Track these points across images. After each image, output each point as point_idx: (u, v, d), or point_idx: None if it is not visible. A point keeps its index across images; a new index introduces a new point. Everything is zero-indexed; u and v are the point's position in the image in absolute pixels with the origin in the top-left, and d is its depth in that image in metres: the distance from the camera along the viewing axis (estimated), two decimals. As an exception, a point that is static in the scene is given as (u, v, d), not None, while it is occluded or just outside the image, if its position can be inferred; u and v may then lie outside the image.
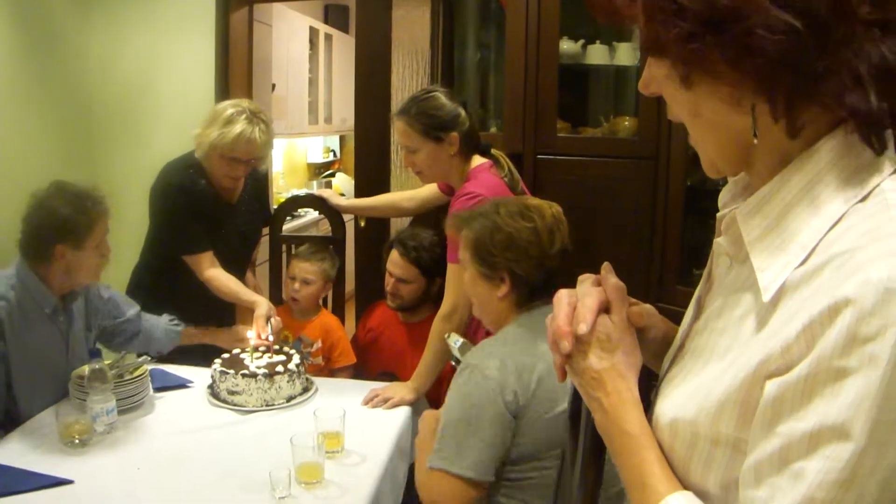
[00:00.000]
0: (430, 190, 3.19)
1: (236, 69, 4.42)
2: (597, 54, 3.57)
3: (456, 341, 2.24)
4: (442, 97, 2.70)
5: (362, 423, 2.41)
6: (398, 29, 3.87)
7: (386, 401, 2.60)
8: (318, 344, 3.06)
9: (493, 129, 3.75)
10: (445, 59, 3.90)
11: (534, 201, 2.08)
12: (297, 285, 3.08)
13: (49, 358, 2.47)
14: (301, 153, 7.86)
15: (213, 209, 2.98)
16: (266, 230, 3.41)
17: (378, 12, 3.84)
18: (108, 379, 2.31)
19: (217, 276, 2.93)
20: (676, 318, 1.16)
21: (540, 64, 3.38)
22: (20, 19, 3.83)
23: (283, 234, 3.48)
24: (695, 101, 0.89)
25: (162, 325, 2.86)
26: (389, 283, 3.03)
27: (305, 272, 3.08)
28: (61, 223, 2.37)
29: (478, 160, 2.76)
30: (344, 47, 7.67)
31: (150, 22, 4.33)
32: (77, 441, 2.21)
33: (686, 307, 1.10)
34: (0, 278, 2.40)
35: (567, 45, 3.50)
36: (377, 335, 3.19)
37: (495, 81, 3.91)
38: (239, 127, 2.79)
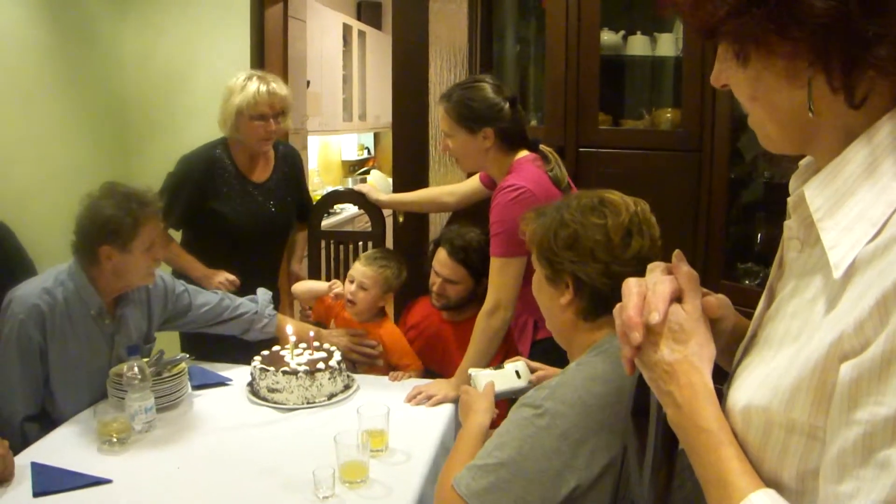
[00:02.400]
0: (471, 184, 3.13)
1: (271, 65, 4.38)
2: (637, 45, 3.52)
3: (479, 376, 2.07)
4: (487, 89, 2.62)
5: (405, 420, 2.34)
6: (435, 22, 3.82)
7: (429, 398, 2.54)
8: (380, 347, 2.93)
9: (533, 122, 3.68)
10: (484, 52, 3.83)
11: (613, 196, 1.70)
12: (353, 287, 2.94)
13: (90, 359, 2.43)
14: (335, 150, 7.83)
15: (233, 186, 3.08)
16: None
17: (415, 8, 3.77)
18: (147, 377, 2.26)
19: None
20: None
21: (581, 56, 3.33)
22: (54, 16, 3.82)
23: (322, 229, 3.41)
24: (753, 81, 0.87)
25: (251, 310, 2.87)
26: (436, 283, 2.94)
27: (363, 276, 2.92)
28: (105, 224, 2.33)
29: (522, 153, 2.67)
30: (377, 44, 7.65)
31: (185, 18, 4.30)
32: (115, 440, 2.16)
33: (732, 302, 1.07)
34: (51, 273, 2.40)
35: (607, 37, 3.45)
36: (420, 332, 3.11)
37: (535, 74, 3.85)
38: (254, 84, 2.97)
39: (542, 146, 2.73)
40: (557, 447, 1.50)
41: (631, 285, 1.00)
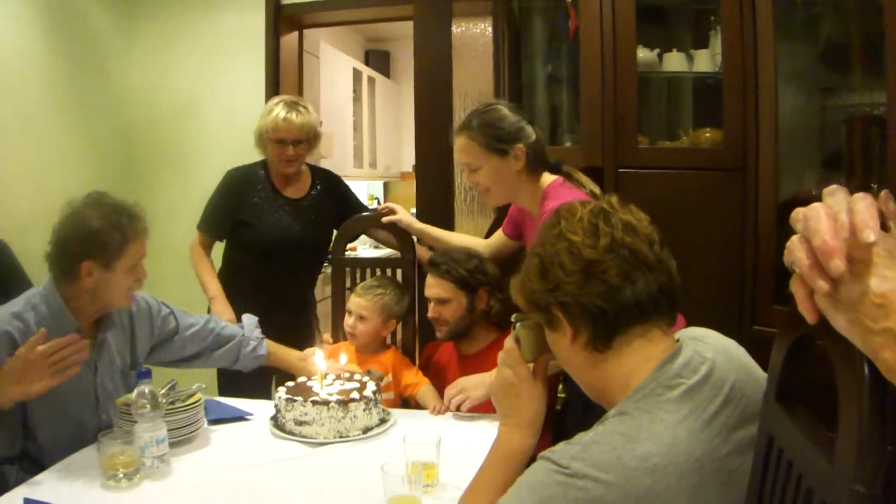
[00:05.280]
0: (497, 238, 2.94)
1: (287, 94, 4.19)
2: (674, 62, 3.32)
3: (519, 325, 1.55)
4: (504, 109, 2.47)
5: (454, 452, 2.01)
6: (459, 46, 3.74)
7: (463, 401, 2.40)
8: (389, 378, 2.71)
9: (567, 144, 3.46)
10: (512, 73, 3.64)
11: (570, 203, 1.44)
12: (351, 320, 2.77)
13: (72, 390, 2.12)
14: (346, 199, 7.60)
15: (267, 197, 3.16)
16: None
17: (437, 43, 3.76)
18: (159, 404, 1.97)
19: (195, 257, 3.15)
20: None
21: (617, 73, 3.13)
22: (61, 42, 3.68)
23: (346, 256, 3.14)
24: None
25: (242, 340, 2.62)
26: (430, 309, 2.74)
27: (360, 308, 2.76)
28: (90, 237, 2.07)
29: (548, 178, 2.50)
30: (387, 92, 7.50)
31: (197, 48, 4.18)
32: (121, 475, 1.87)
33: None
34: (22, 298, 2.13)
35: (642, 54, 3.25)
36: (441, 378, 2.82)
37: (568, 95, 3.64)
38: (276, 110, 3.07)
39: (564, 167, 2.56)
40: None
41: (816, 208, 0.78)
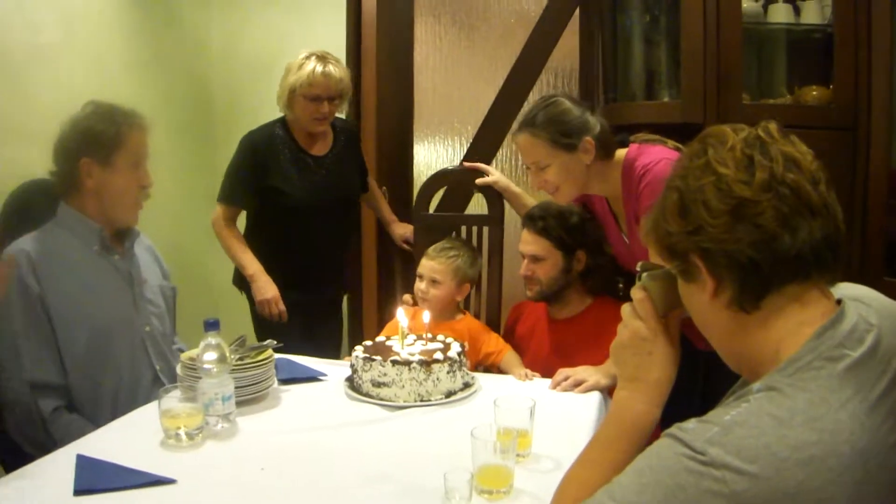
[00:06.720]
0: None
1: (368, 51, 4.01)
2: (779, 13, 3.09)
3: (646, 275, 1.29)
4: (566, 101, 2.32)
5: (546, 421, 1.81)
6: None
7: (577, 384, 2.18)
8: (465, 345, 2.49)
9: (665, 99, 3.22)
10: (608, 22, 3.43)
11: (720, 127, 1.18)
12: (423, 285, 2.60)
13: (109, 307, 2.06)
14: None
15: (293, 159, 3.01)
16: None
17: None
18: (227, 359, 1.81)
19: (224, 232, 3.00)
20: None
21: (721, 25, 2.91)
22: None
23: (430, 213, 2.98)
24: None
25: None
26: (523, 266, 2.56)
27: (432, 271, 2.58)
28: (84, 134, 2.08)
29: (621, 151, 2.35)
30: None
31: (275, 3, 4.00)
32: (184, 434, 1.72)
33: None
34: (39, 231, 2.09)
35: (746, 5, 3.02)
36: (527, 342, 2.67)
37: (666, 47, 3.40)
38: (311, 65, 2.92)
39: (634, 135, 2.40)
40: None
41: None
